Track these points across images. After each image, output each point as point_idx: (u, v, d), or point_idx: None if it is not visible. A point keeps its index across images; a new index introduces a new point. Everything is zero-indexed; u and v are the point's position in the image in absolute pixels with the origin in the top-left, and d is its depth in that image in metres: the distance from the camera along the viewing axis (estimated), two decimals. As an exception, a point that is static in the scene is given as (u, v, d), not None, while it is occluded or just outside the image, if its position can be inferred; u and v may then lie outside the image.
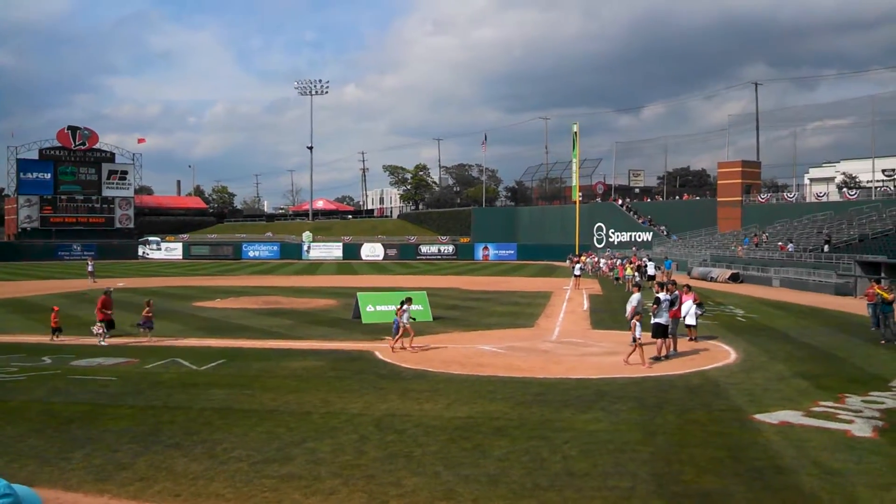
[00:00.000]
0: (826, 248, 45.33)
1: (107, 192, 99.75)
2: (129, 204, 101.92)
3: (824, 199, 64.32)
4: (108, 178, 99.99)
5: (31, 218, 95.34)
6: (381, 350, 19.64)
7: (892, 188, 61.40)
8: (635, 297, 19.29)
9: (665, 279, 29.67)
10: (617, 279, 45.50)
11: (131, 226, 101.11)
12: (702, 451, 10.36)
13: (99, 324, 21.47)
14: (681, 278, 43.90)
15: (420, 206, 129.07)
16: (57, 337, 21.49)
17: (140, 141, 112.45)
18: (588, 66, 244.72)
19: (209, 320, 26.67)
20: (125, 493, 8.76)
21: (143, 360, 18.10)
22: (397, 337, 19.77)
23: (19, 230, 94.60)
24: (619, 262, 51.87)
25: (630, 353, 17.25)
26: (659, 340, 18.29)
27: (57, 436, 11.22)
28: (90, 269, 49.06)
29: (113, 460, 9.98)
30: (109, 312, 21.90)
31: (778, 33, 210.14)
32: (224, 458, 10.07)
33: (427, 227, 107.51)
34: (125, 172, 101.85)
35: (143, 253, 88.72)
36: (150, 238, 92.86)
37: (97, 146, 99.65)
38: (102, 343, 20.83)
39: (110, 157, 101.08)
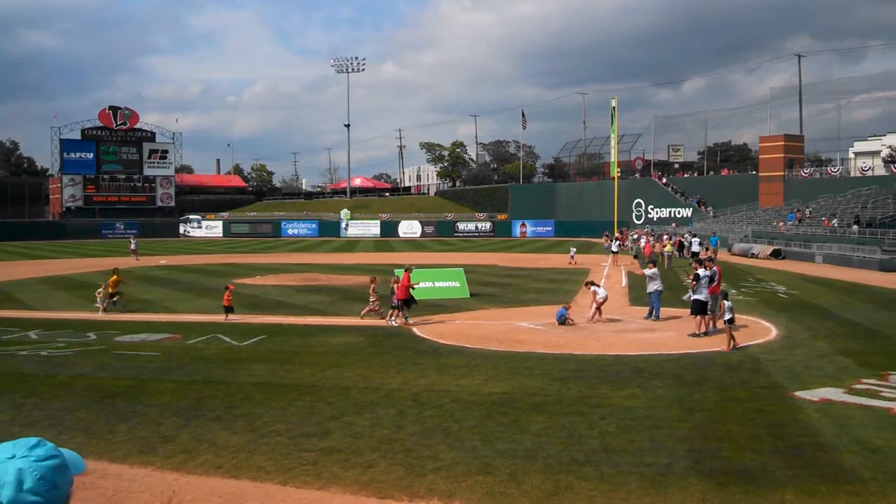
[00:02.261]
0: (855, 227, 44.42)
1: (148, 171, 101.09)
2: (170, 183, 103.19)
3: (869, 173, 62.96)
4: (149, 157, 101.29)
5: (75, 197, 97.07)
6: (419, 326, 19.75)
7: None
8: (651, 270, 21.35)
9: (711, 255, 29.49)
10: (636, 256, 44.50)
11: (172, 204, 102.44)
12: (740, 427, 10.29)
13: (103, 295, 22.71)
14: (721, 255, 43.46)
15: (457, 183, 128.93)
16: (228, 316, 21.10)
17: (176, 121, 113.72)
18: (627, 40, 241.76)
19: (249, 297, 26.97)
20: (169, 465, 8.96)
21: (186, 335, 18.42)
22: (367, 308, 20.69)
23: (64, 209, 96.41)
24: (642, 239, 51.27)
25: (729, 338, 16.43)
26: (698, 317, 18.16)
27: (103, 409, 11.50)
28: (133, 247, 49.90)
29: (157, 433, 10.21)
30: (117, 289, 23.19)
31: (822, 3, 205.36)
32: (264, 431, 10.24)
33: (464, 204, 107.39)
34: (166, 151, 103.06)
35: (184, 231, 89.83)
36: (191, 216, 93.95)
37: (138, 126, 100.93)
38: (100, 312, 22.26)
39: (151, 137, 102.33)
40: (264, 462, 9.02)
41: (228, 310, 21.18)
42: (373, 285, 21.24)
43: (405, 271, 21.16)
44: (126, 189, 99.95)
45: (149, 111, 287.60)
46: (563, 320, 20.07)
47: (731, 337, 16.39)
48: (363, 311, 20.97)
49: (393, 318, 20.20)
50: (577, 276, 34.52)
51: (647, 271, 21.54)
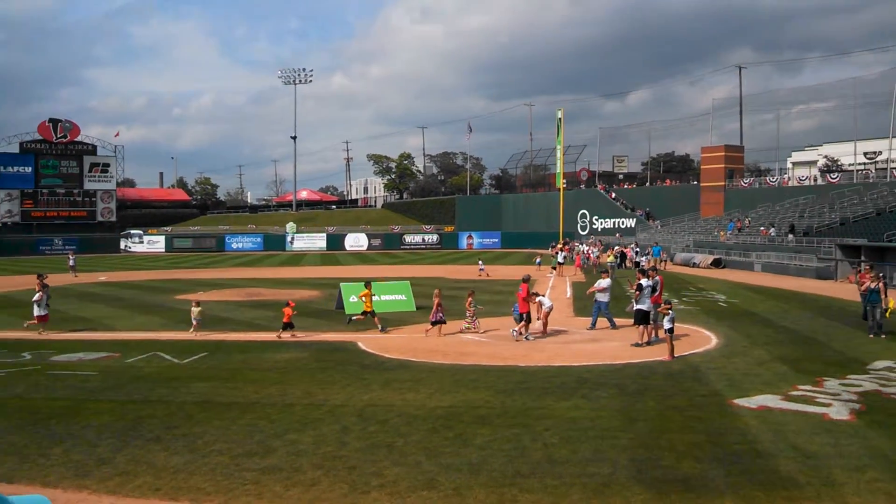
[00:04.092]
0: (791, 236, 45.63)
1: (88, 186, 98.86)
2: (111, 197, 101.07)
3: (806, 182, 64.67)
4: (90, 170, 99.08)
5: (12, 212, 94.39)
6: (364, 341, 19.64)
7: (874, 171, 61.78)
8: (604, 281, 21.29)
9: (653, 265, 29.92)
10: (584, 265, 45.61)
11: (113, 219, 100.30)
12: (681, 436, 10.44)
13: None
14: (664, 264, 44.15)
15: (404, 196, 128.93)
16: (281, 334, 20.38)
17: (116, 135, 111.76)
18: (573, 53, 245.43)
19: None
20: (104, 489, 8.73)
21: (125, 354, 18.02)
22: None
23: (0, 225, 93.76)
24: (584, 248, 52.12)
25: (670, 347, 16.66)
26: (641, 327, 18.40)
27: (36, 432, 11.16)
28: (72, 263, 48.71)
29: (93, 455, 9.95)
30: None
31: (762, 17, 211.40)
32: (205, 451, 10.06)
33: (411, 217, 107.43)
34: (107, 165, 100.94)
35: (126, 246, 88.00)
36: (133, 231, 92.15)
37: (79, 139, 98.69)
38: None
39: (92, 150, 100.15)
40: (204, 483, 8.85)
41: (288, 326, 20.45)
42: (470, 299, 21.59)
43: (366, 286, 22.00)
44: (65, 204, 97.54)
45: (92, 124, 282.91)
46: (519, 318, 20.28)
47: (672, 346, 16.64)
48: (464, 326, 21.38)
49: (520, 332, 20.03)
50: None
51: (604, 282, 21.59)
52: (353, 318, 22.43)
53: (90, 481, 8.97)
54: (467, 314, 21.57)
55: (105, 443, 10.51)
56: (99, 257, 73.98)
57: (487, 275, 42.26)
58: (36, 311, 22.02)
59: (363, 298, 21.79)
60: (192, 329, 21.23)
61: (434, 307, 20.76)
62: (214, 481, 8.89)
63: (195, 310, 21.45)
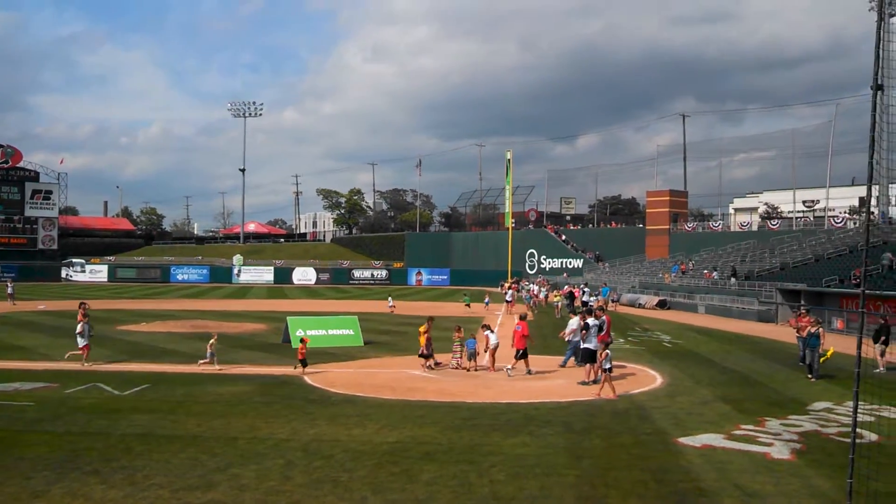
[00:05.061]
0: (733, 280, 46.66)
1: (30, 213, 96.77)
2: (53, 224, 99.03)
3: (748, 228, 66.25)
4: (32, 197, 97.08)
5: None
6: (311, 375, 19.42)
7: (812, 219, 63.61)
8: (574, 321, 20.93)
9: (602, 305, 30.18)
10: (532, 306, 46.33)
11: (55, 247, 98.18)
12: (627, 473, 10.50)
13: None
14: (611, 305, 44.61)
15: (354, 231, 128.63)
16: (298, 368, 19.91)
17: (61, 162, 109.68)
18: (524, 96, 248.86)
19: (134, 344, 25.99)
20: (38, 523, 8.44)
21: (64, 384, 17.53)
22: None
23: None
24: (534, 287, 52.76)
25: (602, 386, 16.94)
26: (588, 365, 18.57)
27: (-32, 463, 10.76)
28: (10, 291, 47.49)
29: (27, 488, 9.61)
30: None
31: (705, 69, 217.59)
32: (144, 484, 9.79)
33: (360, 252, 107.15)
34: (49, 192, 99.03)
35: (67, 275, 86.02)
36: (74, 260, 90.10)
37: (21, 164, 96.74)
38: None
39: (34, 177, 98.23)
40: (143, 517, 8.61)
41: (303, 363, 19.96)
42: (457, 334, 21.44)
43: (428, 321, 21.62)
44: (5, 230, 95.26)
45: (36, 150, 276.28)
46: (472, 355, 20.64)
47: (611, 385, 16.79)
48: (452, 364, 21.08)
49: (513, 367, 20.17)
50: (471, 323, 34.76)
51: (573, 323, 21.36)
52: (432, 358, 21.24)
53: (23, 515, 8.67)
54: (454, 349, 21.31)
55: (40, 475, 10.17)
56: (39, 285, 72.14)
57: (394, 309, 43.68)
58: (80, 342, 21.17)
59: (421, 332, 21.03)
60: (201, 362, 20.58)
61: (424, 341, 20.71)
62: (154, 516, 8.66)
63: (212, 342, 20.87)
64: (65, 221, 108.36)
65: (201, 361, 20.54)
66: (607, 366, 16.83)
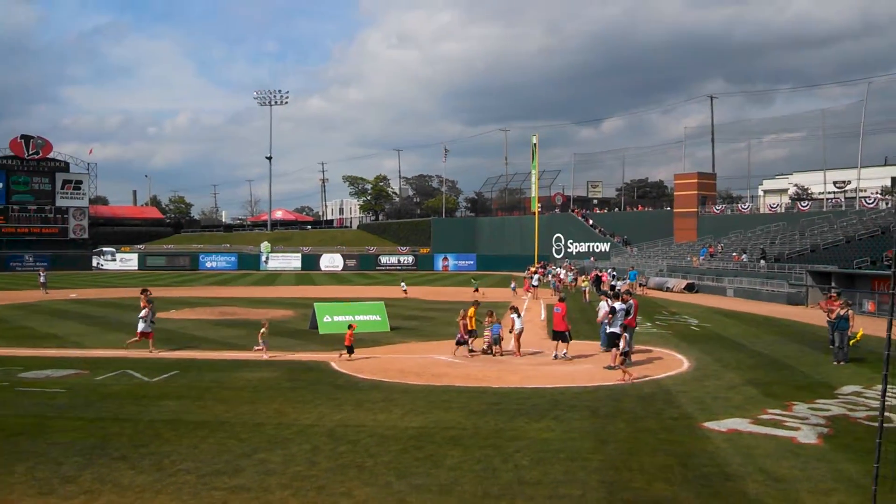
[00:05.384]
0: (762, 262, 46.13)
1: (60, 202, 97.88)
2: (84, 214, 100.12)
3: (777, 210, 65.49)
4: (63, 187, 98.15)
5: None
6: (337, 360, 19.53)
7: (843, 200, 62.71)
8: (604, 304, 20.10)
9: (629, 289, 29.94)
10: (556, 288, 45.92)
11: (85, 236, 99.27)
12: (652, 458, 10.46)
13: None
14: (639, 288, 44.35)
15: (380, 217, 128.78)
16: (344, 355, 19.91)
17: (90, 152, 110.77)
18: (548, 80, 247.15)
19: (164, 331, 26.25)
20: (69, 507, 8.59)
21: (94, 371, 17.80)
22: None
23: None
24: (561, 272, 52.39)
25: (624, 370, 16.95)
26: (614, 349, 18.45)
27: (1, 449, 10.97)
28: (42, 280, 48.17)
29: (57, 473, 9.78)
30: None
31: (734, 50, 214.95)
32: (172, 470, 9.93)
33: (387, 238, 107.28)
34: (80, 182, 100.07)
35: (98, 264, 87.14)
36: (105, 249, 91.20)
37: (51, 155, 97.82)
38: None
39: (65, 167, 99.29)
40: (170, 502, 8.73)
41: (349, 349, 20.01)
42: (488, 319, 21.32)
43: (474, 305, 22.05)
44: (37, 220, 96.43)
45: (66, 141, 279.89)
46: (497, 339, 20.62)
47: (624, 370, 16.80)
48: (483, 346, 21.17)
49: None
50: (497, 309, 34.77)
51: (605, 306, 20.09)
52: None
53: (54, 499, 8.82)
54: (485, 334, 21.23)
55: (70, 461, 10.34)
56: (70, 274, 73.18)
57: (407, 293, 44.38)
58: (140, 327, 21.39)
59: (468, 318, 21.27)
60: (256, 349, 20.72)
61: (461, 328, 20.87)
62: (181, 500, 8.77)
63: (263, 330, 20.97)
64: (95, 211, 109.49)
65: (256, 348, 20.71)
66: (625, 349, 16.80)
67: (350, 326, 20.87)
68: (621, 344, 17.13)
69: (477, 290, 45.26)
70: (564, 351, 19.93)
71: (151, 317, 21.65)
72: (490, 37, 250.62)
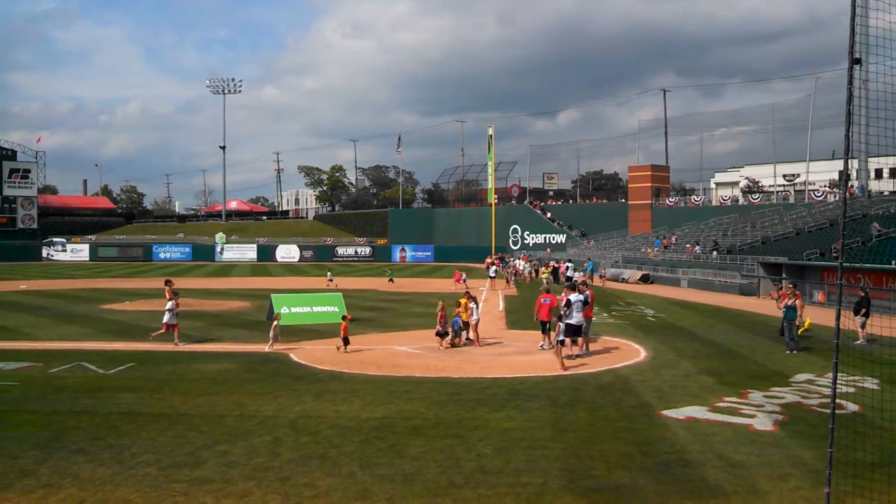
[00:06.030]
0: (715, 254, 46.99)
1: (8, 192, 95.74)
2: (32, 204, 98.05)
3: (729, 202, 66.61)
4: (10, 176, 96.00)
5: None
6: (296, 352, 19.44)
7: (792, 193, 64.04)
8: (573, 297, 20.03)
9: (585, 280, 30.21)
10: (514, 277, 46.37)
11: (34, 226, 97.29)
12: (612, 446, 10.61)
13: None
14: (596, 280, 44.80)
15: (336, 208, 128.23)
16: (341, 348, 19.52)
17: (38, 140, 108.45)
18: (504, 72, 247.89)
19: (118, 323, 25.91)
20: (27, 501, 8.43)
21: (48, 364, 17.46)
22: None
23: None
24: (520, 264, 52.95)
25: (561, 359, 17.09)
26: (568, 340, 18.59)
27: (-47, 444, 10.73)
28: (-10, 271, 47.12)
29: (14, 467, 9.60)
30: None
31: (685, 44, 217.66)
32: (132, 462, 9.81)
33: (343, 229, 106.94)
34: (28, 171, 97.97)
35: (48, 254, 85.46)
36: (55, 239, 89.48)
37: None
38: None
39: (11, 155, 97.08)
40: (131, 494, 8.63)
41: (346, 341, 19.69)
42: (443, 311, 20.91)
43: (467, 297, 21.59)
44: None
45: (12, 129, 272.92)
46: (458, 331, 20.65)
47: (560, 359, 16.99)
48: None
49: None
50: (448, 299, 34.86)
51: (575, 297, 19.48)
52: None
53: (11, 494, 8.66)
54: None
55: (27, 455, 10.16)
56: (20, 265, 71.65)
57: (336, 285, 42.12)
58: (166, 318, 20.85)
59: (462, 309, 21.03)
60: (269, 344, 20.24)
61: (438, 319, 20.64)
62: (142, 493, 8.68)
63: (275, 324, 20.60)
64: (44, 201, 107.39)
65: (270, 342, 20.32)
66: (560, 338, 17.03)
67: (344, 318, 20.54)
68: (557, 331, 17.34)
69: (392, 280, 45.48)
70: (542, 343, 20.08)
71: (176, 308, 21.25)
72: (446, 27, 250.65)
